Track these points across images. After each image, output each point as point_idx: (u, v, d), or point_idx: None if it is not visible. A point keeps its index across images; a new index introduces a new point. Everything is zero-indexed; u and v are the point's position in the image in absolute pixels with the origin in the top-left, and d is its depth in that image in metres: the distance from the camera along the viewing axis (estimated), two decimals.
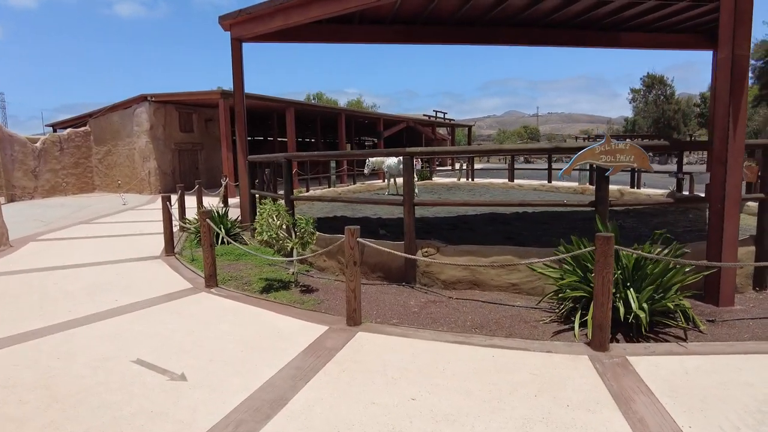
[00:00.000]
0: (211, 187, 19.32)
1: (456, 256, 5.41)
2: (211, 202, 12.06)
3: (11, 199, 18.92)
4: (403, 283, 5.60)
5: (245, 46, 9.19)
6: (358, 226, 4.31)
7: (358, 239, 4.26)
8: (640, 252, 3.87)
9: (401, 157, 14.57)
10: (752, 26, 4.55)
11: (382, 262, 5.77)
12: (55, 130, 26.01)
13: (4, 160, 19.07)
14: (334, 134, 31.63)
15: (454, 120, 40.42)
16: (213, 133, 23.16)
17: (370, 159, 16.11)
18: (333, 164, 21.94)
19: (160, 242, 8.13)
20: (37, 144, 20.65)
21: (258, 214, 5.90)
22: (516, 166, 19.56)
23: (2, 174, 19.10)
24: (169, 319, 4.53)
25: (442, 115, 36.74)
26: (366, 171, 16.45)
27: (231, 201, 13.68)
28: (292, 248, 5.67)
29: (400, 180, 16.13)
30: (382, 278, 5.83)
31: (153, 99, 20.36)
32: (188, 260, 7.06)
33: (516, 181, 18.50)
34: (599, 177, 4.94)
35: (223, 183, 12.90)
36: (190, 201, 11.52)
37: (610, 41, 10.74)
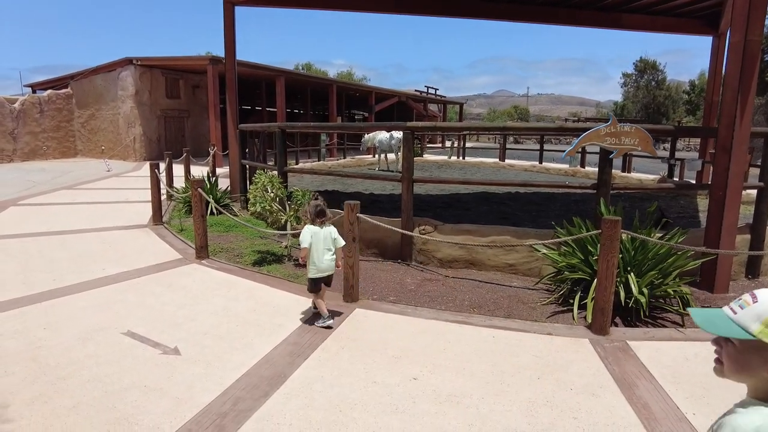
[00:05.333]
0: (198, 156, 18.89)
1: (453, 234, 5.34)
2: (199, 171, 11.77)
3: None
4: (399, 261, 5.53)
5: (237, 10, 8.84)
6: (358, 202, 4.21)
7: (357, 215, 4.15)
8: (644, 236, 3.83)
9: (393, 133, 14.56)
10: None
11: (377, 238, 5.68)
12: (34, 91, 25.00)
13: None
14: (324, 106, 31.04)
15: (445, 97, 39.94)
16: (200, 100, 22.52)
17: (366, 135, 16.03)
18: (323, 137, 21.58)
19: (147, 210, 7.91)
20: (16, 105, 19.88)
21: (253, 184, 5.73)
22: (506, 146, 19.36)
23: None
24: (160, 290, 4.40)
25: (433, 92, 36.24)
26: (362, 147, 16.49)
27: (219, 171, 13.39)
28: (286, 221, 5.54)
29: (391, 156, 15.94)
30: (377, 255, 5.74)
31: (138, 62, 19.63)
32: (177, 230, 6.88)
33: (507, 161, 18.35)
34: (602, 159, 4.87)
35: (212, 152, 12.61)
36: (177, 169, 11.24)
37: (610, 22, 10.56)
